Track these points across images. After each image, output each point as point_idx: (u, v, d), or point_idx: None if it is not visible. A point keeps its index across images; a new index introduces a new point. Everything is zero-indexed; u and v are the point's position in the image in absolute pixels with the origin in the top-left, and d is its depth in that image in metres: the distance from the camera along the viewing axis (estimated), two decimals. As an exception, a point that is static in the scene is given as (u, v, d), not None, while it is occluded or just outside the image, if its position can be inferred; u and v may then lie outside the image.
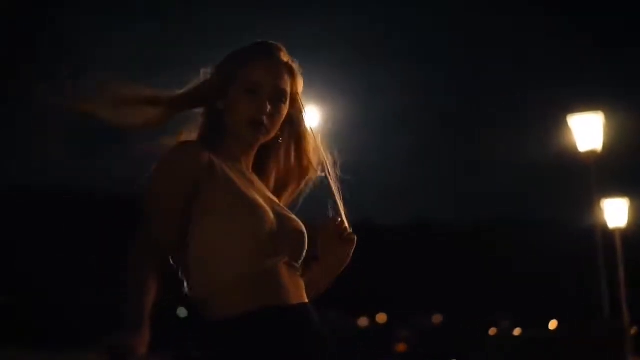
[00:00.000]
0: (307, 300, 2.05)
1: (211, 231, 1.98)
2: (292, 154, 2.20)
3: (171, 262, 2.02)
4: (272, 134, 2.13)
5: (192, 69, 2.16)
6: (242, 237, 1.97)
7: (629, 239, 16.26)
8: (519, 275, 38.29)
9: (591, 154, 11.40)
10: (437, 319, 39.54)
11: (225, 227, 1.97)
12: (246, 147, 2.13)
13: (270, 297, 1.97)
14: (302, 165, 2.22)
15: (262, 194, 2.08)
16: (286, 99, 2.13)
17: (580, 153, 11.57)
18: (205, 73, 2.15)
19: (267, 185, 2.18)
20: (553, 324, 31.40)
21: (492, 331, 36.41)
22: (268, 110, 2.09)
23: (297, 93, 2.18)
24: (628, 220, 16.16)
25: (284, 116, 2.14)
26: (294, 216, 2.13)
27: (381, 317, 40.14)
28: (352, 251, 2.18)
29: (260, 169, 2.19)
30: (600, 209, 13.42)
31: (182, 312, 27.35)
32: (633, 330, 13.01)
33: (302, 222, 2.15)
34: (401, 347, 33.54)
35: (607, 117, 11.70)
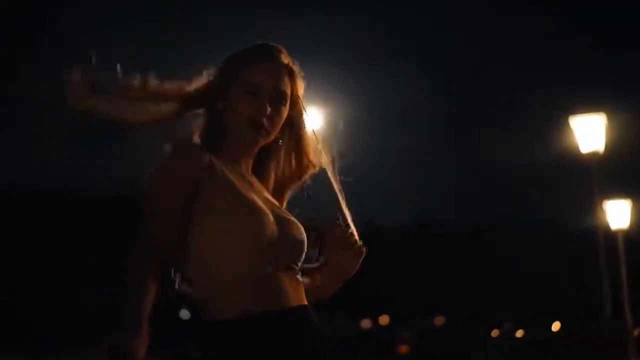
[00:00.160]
0: (306, 303, 2.05)
1: (211, 231, 1.98)
2: (292, 156, 2.20)
3: (171, 262, 2.02)
4: (272, 136, 2.13)
5: (192, 69, 2.15)
6: (242, 237, 1.97)
7: (631, 240, 16.28)
8: (522, 277, 38.23)
9: (593, 155, 11.39)
10: (439, 320, 39.52)
11: (225, 227, 1.97)
12: (246, 148, 2.13)
13: (270, 298, 1.97)
14: (301, 168, 2.21)
15: (261, 196, 2.08)
16: (286, 101, 2.13)
17: (582, 154, 11.55)
18: (208, 73, 2.15)
19: (266, 187, 2.18)
20: (556, 326, 31.36)
21: (495, 333, 36.42)
22: (268, 112, 2.08)
23: (298, 95, 2.18)
24: (630, 222, 16.19)
25: (284, 118, 2.14)
26: (293, 218, 2.13)
27: (383, 319, 40.12)
28: (360, 262, 2.17)
29: (260, 171, 2.19)
30: (603, 211, 13.42)
31: (184, 314, 27.36)
32: (636, 332, 12.99)
33: (302, 224, 2.15)
34: (403, 349, 33.55)
35: (609, 118, 11.69)
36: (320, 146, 2.20)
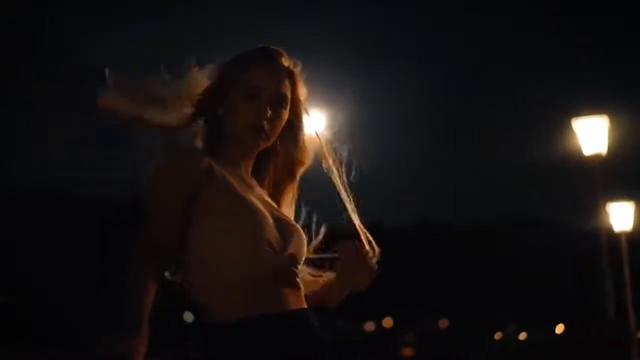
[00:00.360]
0: (306, 306, 2.05)
1: (211, 231, 1.97)
2: (291, 159, 2.19)
3: (171, 262, 2.02)
4: (273, 139, 2.13)
5: (192, 69, 2.15)
6: (242, 238, 1.97)
7: (634, 242, 16.27)
8: (526, 278, 38.19)
9: (596, 157, 11.36)
10: (443, 323, 39.47)
11: (225, 227, 1.97)
12: (246, 151, 2.12)
13: (269, 301, 1.97)
14: (296, 171, 2.21)
15: (260, 199, 2.08)
16: (287, 104, 2.13)
17: (585, 156, 11.52)
18: (208, 75, 2.14)
19: (265, 190, 2.18)
20: (560, 328, 31.29)
21: (498, 335, 36.42)
22: (269, 115, 2.08)
23: (299, 98, 2.17)
24: (633, 224, 16.19)
25: (284, 121, 2.13)
26: (292, 221, 2.13)
27: (387, 322, 40.09)
28: (371, 280, 2.14)
29: (258, 174, 2.19)
30: (606, 213, 13.40)
31: (188, 316, 27.32)
32: (639, 333, 12.98)
33: (302, 227, 2.15)
34: (407, 352, 33.56)
35: (611, 120, 11.66)
36: (325, 149, 2.19)
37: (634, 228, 16.27)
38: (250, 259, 1.97)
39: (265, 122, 2.08)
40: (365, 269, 2.10)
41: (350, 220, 2.17)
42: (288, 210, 2.20)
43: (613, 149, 12.16)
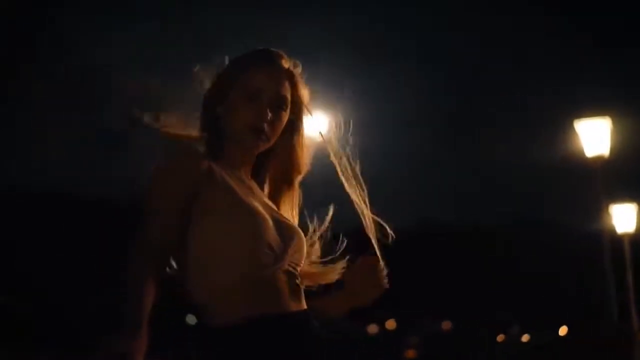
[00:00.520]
0: (306, 307, 2.05)
1: (211, 231, 1.97)
2: (291, 161, 2.19)
3: (171, 263, 2.02)
4: (273, 141, 2.13)
5: (192, 69, 2.15)
6: (242, 238, 1.97)
7: (637, 243, 16.28)
8: (528, 280, 38.13)
9: (598, 159, 11.35)
10: (446, 325, 39.44)
11: (225, 227, 1.97)
12: (246, 153, 2.13)
13: (269, 302, 1.97)
14: (298, 173, 2.21)
15: (260, 201, 2.08)
16: (287, 106, 2.13)
17: (587, 158, 11.51)
18: (208, 77, 2.15)
19: (264, 192, 2.18)
20: (563, 330, 31.28)
21: (501, 337, 36.39)
22: (269, 117, 2.08)
23: (300, 100, 2.17)
24: (636, 225, 16.20)
25: (284, 123, 2.13)
26: (292, 223, 2.14)
27: (390, 324, 40.06)
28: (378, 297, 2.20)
29: (259, 176, 2.19)
30: (608, 214, 13.40)
31: (191, 319, 27.30)
32: None
33: (302, 229, 2.15)
34: (410, 354, 33.56)
35: (614, 122, 11.66)
36: (334, 151, 2.20)
37: (636, 230, 16.28)
38: (250, 260, 1.97)
39: (265, 124, 2.08)
40: (379, 288, 2.16)
41: (361, 211, 2.19)
42: (289, 212, 2.20)
43: (616, 150, 12.16)
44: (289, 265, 2.04)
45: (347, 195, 2.20)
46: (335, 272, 2.24)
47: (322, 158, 2.22)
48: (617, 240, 14.57)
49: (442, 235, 41.77)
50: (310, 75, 2.20)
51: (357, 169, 2.21)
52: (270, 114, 2.09)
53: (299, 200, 2.23)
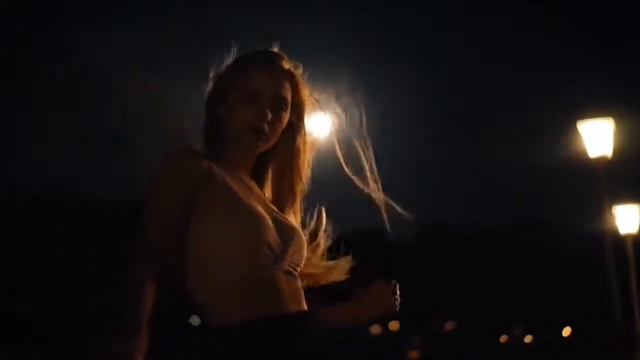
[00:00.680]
0: (306, 308, 2.05)
1: (211, 231, 1.97)
2: (290, 161, 2.19)
3: (171, 263, 2.01)
4: (273, 142, 2.13)
5: (192, 69, 2.15)
6: (241, 238, 1.97)
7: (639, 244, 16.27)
8: (530, 281, 38.12)
9: (601, 159, 11.33)
10: (449, 325, 39.43)
11: (225, 227, 1.97)
12: (246, 154, 2.13)
13: (269, 303, 1.97)
14: (299, 174, 2.20)
15: (260, 201, 2.08)
16: (287, 107, 2.13)
17: (590, 159, 11.49)
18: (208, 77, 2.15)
19: (265, 193, 2.18)
20: (567, 331, 31.27)
21: (504, 338, 36.36)
22: (269, 118, 2.08)
23: (300, 101, 2.17)
24: (639, 226, 16.19)
25: (284, 124, 2.13)
26: (293, 224, 2.13)
27: (393, 325, 40.05)
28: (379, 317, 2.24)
29: (258, 176, 2.19)
30: (611, 215, 13.39)
31: (194, 320, 27.28)
32: None
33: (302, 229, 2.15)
34: (414, 354, 33.56)
35: (616, 123, 11.64)
36: (340, 152, 2.20)
37: (639, 230, 16.27)
38: (250, 260, 1.97)
39: (265, 125, 2.08)
40: (388, 310, 2.23)
41: (371, 199, 2.21)
42: (289, 212, 2.19)
43: (618, 151, 12.14)
44: (289, 265, 2.03)
45: (348, 196, 2.20)
46: (335, 272, 2.24)
47: (323, 158, 2.22)
48: (619, 241, 14.55)
49: (446, 235, 41.76)
50: (311, 75, 2.20)
51: (372, 154, 2.23)
52: (270, 115, 2.08)
53: (300, 201, 2.23)
